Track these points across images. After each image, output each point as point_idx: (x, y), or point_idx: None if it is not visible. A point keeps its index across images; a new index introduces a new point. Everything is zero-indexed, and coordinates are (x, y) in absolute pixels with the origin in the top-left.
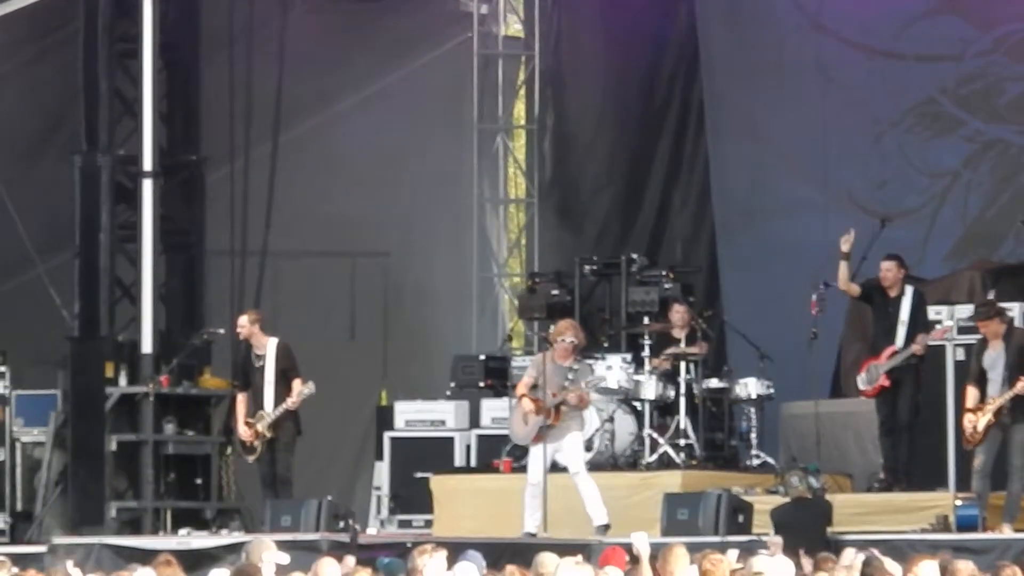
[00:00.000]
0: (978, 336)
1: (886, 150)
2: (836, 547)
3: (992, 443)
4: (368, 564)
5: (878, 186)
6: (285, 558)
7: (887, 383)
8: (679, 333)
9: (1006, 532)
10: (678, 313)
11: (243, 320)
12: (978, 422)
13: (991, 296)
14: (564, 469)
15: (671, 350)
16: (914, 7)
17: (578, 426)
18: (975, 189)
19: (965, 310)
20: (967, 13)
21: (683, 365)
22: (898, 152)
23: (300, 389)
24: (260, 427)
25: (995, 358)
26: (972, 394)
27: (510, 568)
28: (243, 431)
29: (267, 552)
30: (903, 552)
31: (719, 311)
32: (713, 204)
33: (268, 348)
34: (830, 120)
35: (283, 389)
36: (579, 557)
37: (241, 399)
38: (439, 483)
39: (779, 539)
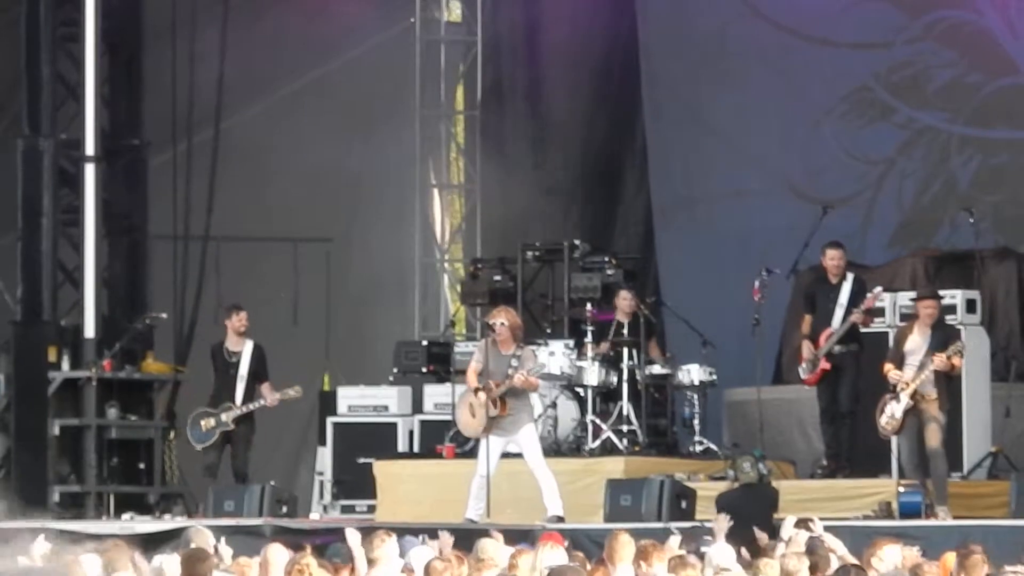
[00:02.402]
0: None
1: (823, 137)
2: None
3: (911, 431)
4: (300, 549)
5: (816, 173)
6: (227, 552)
7: (827, 366)
8: (624, 319)
9: (942, 517)
10: (624, 300)
11: (244, 316)
12: (896, 410)
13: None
14: (515, 455)
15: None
16: None
17: (530, 417)
18: (909, 176)
19: (907, 297)
20: (897, 0)
21: (626, 351)
22: (834, 139)
23: (290, 393)
24: (225, 417)
25: (920, 343)
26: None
27: (448, 553)
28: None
29: (204, 539)
30: (846, 540)
31: (662, 297)
32: (651, 188)
33: (245, 348)
34: (769, 107)
35: (252, 387)
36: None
37: None
38: (382, 468)
39: (724, 518)
